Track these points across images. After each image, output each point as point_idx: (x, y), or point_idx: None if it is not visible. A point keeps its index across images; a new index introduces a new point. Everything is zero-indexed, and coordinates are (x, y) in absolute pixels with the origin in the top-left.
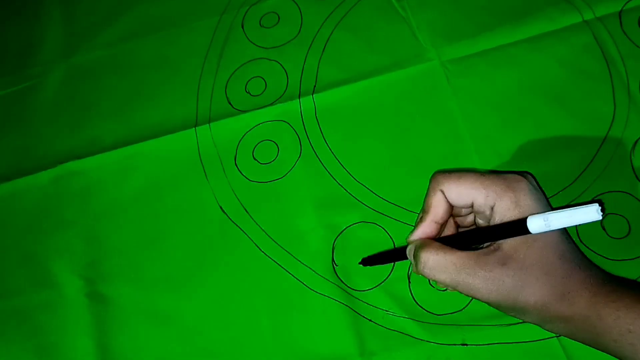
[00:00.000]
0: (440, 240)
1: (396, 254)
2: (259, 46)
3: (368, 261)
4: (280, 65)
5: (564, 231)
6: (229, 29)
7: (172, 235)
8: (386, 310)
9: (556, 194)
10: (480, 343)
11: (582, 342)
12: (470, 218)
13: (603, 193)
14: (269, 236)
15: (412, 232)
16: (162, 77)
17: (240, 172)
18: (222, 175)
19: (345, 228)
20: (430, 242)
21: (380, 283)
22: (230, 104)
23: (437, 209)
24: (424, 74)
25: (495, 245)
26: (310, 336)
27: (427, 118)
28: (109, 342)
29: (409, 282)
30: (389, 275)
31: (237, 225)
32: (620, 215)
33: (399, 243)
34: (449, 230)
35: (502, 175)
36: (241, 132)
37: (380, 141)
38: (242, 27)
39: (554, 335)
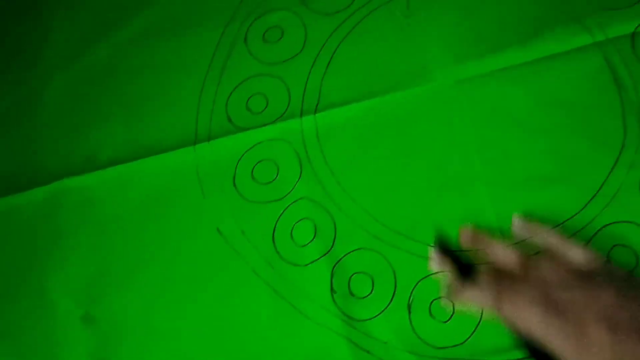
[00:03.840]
0: None
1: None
2: (262, 61)
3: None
4: (283, 82)
5: None
6: (231, 42)
7: (168, 255)
8: (385, 342)
9: (564, 221)
10: None
11: None
12: None
13: (611, 223)
14: (265, 260)
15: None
16: (162, 91)
17: (238, 192)
18: (220, 194)
19: (345, 255)
20: None
21: (380, 313)
22: (230, 121)
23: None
24: (431, 93)
25: None
26: None
27: (434, 140)
28: None
29: (410, 312)
30: (389, 304)
31: (232, 247)
32: (628, 247)
33: (399, 272)
34: None
35: None
36: (241, 151)
37: (383, 164)
38: (245, 41)
39: None
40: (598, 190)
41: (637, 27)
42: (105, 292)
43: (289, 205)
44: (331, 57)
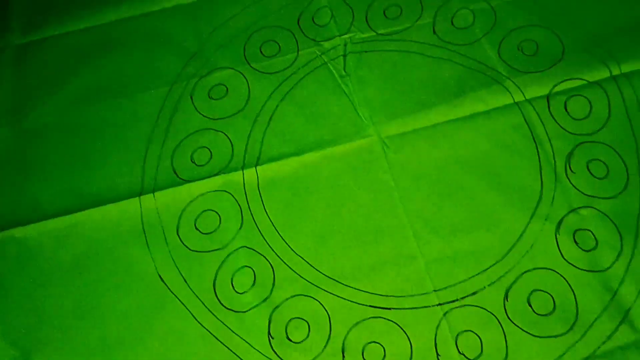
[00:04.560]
0: None
1: None
2: (207, 117)
3: None
4: (226, 136)
5: None
6: (178, 99)
7: (110, 304)
8: None
9: (485, 269)
10: None
11: None
12: None
13: (530, 270)
14: (206, 307)
15: None
16: (109, 144)
17: (182, 242)
18: (164, 244)
19: (283, 301)
20: None
21: (315, 357)
22: (175, 173)
23: None
24: (363, 149)
25: None
26: None
27: (365, 192)
28: None
29: (343, 356)
30: (324, 348)
31: (175, 295)
32: (546, 292)
33: (333, 316)
34: None
35: None
36: (185, 202)
37: (319, 214)
38: (191, 98)
39: None
40: (517, 240)
41: (552, 89)
42: (46, 342)
43: (229, 254)
44: (272, 114)
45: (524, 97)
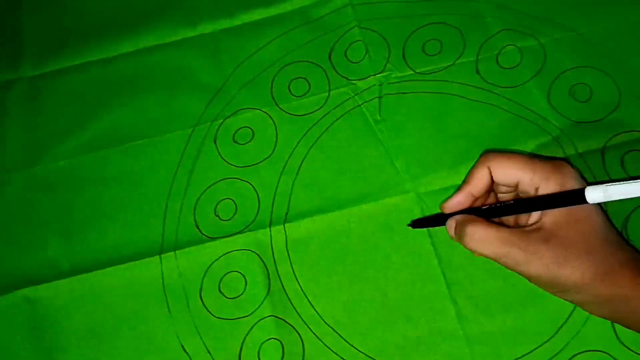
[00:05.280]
0: (483, 210)
1: (439, 220)
2: (231, 164)
3: (417, 224)
4: (252, 187)
5: (607, 218)
6: (201, 143)
7: None
8: None
9: (532, 350)
10: None
11: (623, 325)
12: (509, 196)
13: (581, 352)
14: None
15: (447, 199)
16: (128, 194)
17: (205, 307)
18: (186, 309)
19: None
20: (475, 218)
21: None
22: (198, 228)
23: (478, 183)
24: (399, 207)
25: (538, 224)
26: None
27: (403, 257)
28: None
29: None
30: None
31: None
32: None
33: None
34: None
35: (548, 159)
36: (208, 262)
37: (351, 280)
38: (215, 142)
39: None
40: (567, 318)
41: (607, 142)
42: None
43: (256, 323)
44: (301, 162)
45: (576, 150)
